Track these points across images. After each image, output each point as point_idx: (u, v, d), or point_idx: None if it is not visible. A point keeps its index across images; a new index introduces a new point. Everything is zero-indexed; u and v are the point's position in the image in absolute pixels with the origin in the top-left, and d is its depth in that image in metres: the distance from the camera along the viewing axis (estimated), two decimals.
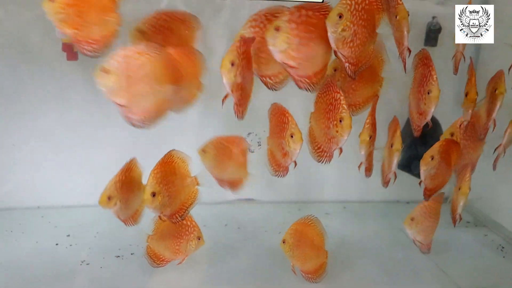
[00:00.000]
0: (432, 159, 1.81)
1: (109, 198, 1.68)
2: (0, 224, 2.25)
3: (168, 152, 1.73)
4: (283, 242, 1.81)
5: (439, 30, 2.32)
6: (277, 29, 1.42)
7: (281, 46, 1.43)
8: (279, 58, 1.45)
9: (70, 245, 2.09)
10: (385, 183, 1.93)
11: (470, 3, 1.71)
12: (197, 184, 1.80)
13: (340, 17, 1.45)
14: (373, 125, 1.78)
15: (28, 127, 2.33)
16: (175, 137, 2.38)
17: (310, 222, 1.84)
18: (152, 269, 1.89)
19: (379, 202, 2.72)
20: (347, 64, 1.53)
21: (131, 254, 2.03)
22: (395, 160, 1.82)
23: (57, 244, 2.09)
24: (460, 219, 1.95)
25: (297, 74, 1.49)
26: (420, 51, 1.78)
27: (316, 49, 1.50)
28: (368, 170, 1.87)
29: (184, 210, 1.76)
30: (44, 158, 2.36)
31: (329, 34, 1.46)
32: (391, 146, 1.83)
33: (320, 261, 1.88)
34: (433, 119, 2.23)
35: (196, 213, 1.85)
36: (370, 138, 1.75)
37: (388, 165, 1.88)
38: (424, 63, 1.74)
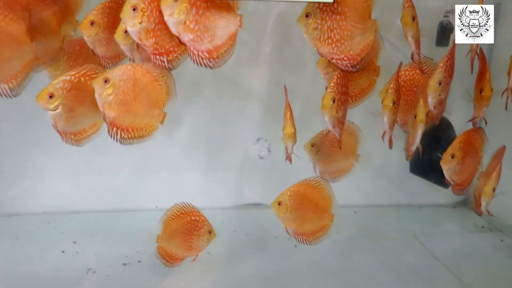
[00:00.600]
0: (453, 157, 1.74)
1: (51, 96, 1.46)
2: (6, 230, 2.24)
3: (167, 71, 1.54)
4: (279, 204, 1.71)
5: (451, 29, 2.27)
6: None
7: (178, 17, 1.35)
8: (176, 30, 1.36)
9: (77, 252, 2.08)
10: (409, 156, 1.83)
11: (481, 2, 1.67)
12: (161, 121, 1.59)
13: (307, 16, 1.43)
14: (397, 91, 1.68)
15: (34, 132, 2.31)
16: (186, 144, 2.39)
17: (316, 184, 1.76)
18: (160, 277, 1.88)
19: (390, 206, 2.69)
20: (335, 61, 1.50)
21: (138, 261, 2.01)
22: (420, 131, 1.71)
23: (63, 252, 2.08)
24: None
25: (196, 48, 1.40)
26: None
27: (216, 20, 1.42)
28: (392, 141, 1.76)
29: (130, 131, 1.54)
30: (50, 163, 2.36)
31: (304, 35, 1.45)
32: (415, 117, 1.73)
33: (322, 223, 1.81)
34: (445, 120, 2.20)
35: None
36: (394, 104, 1.65)
37: (412, 137, 1.78)
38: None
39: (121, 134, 1.50)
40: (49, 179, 2.39)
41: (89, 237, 2.20)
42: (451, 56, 1.68)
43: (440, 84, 1.66)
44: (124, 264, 1.99)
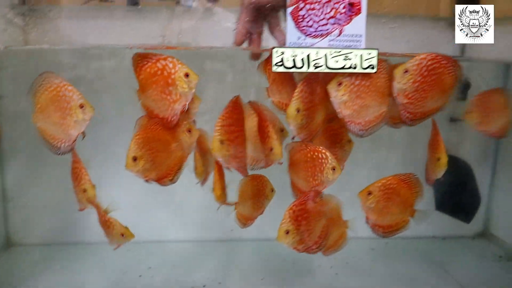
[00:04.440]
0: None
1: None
2: (93, 257, 2.61)
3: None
4: (368, 194, 1.74)
5: (468, 86, 2.51)
6: (339, 83, 1.61)
7: (341, 98, 1.62)
8: (338, 108, 1.63)
9: (152, 277, 2.45)
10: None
11: None
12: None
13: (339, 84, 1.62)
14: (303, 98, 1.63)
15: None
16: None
17: (407, 179, 1.77)
18: None
19: (418, 238, 2.95)
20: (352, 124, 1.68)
21: (203, 286, 2.36)
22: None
23: (140, 276, 2.45)
24: None
25: (353, 122, 1.66)
26: None
27: (371, 102, 1.64)
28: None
29: (173, 175, 1.77)
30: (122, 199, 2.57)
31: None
32: (438, 160, 1.88)
33: (401, 218, 1.82)
34: (462, 162, 2.44)
35: None
36: (298, 111, 1.63)
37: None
38: None
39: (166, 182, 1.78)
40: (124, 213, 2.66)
41: (161, 264, 2.56)
42: None
43: None
44: None
